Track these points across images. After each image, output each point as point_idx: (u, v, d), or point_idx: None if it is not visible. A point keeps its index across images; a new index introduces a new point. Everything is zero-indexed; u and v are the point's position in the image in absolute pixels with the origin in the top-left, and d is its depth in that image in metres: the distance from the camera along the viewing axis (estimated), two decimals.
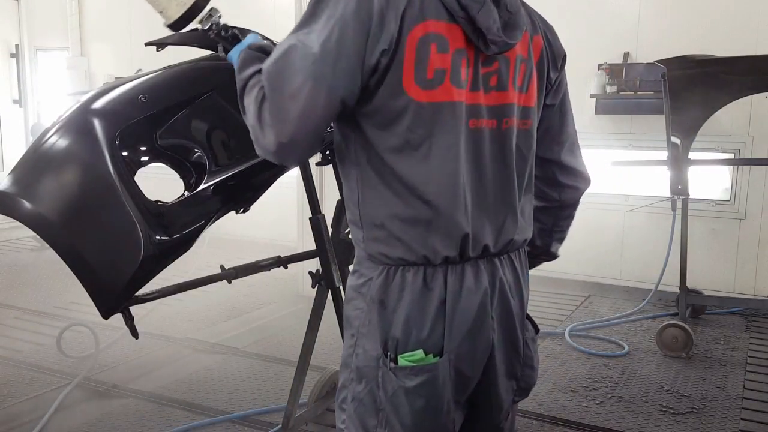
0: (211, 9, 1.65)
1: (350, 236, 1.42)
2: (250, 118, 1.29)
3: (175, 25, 1.65)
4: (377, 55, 1.21)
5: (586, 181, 1.62)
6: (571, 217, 1.65)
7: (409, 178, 1.27)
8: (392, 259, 1.30)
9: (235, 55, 1.45)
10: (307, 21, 1.25)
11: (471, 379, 1.36)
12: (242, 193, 2.00)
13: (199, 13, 1.62)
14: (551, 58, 1.47)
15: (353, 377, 1.34)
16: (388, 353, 1.29)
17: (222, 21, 1.64)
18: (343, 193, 1.40)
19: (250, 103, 1.29)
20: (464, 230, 1.29)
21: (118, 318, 1.99)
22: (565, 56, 1.52)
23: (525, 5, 1.43)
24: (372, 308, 1.31)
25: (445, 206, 1.28)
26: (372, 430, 1.32)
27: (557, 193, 1.58)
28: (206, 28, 1.63)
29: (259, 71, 1.30)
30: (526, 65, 1.38)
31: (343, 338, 1.44)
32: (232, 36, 1.61)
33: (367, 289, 1.32)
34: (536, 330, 1.52)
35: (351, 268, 1.42)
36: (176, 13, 1.61)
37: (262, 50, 1.41)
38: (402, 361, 1.28)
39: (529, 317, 1.49)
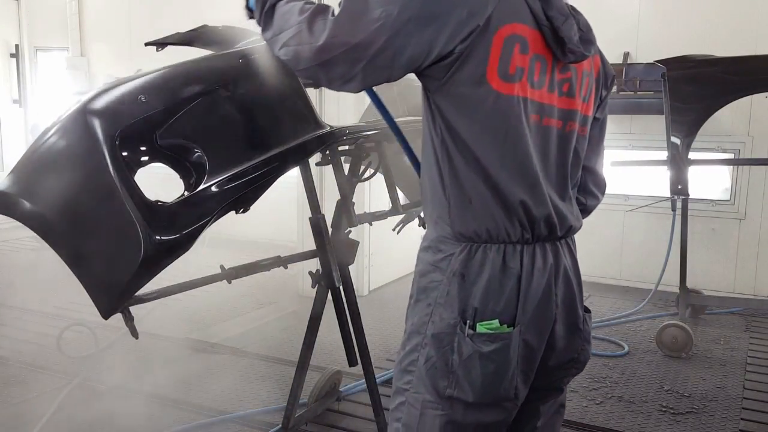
0: None
1: (422, 215, 1.51)
2: (291, 18, 1.40)
3: None
4: (455, 43, 1.32)
5: (604, 193, 1.79)
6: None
7: (488, 162, 1.39)
8: (479, 236, 1.42)
9: None
10: None
11: (536, 350, 1.48)
12: (242, 192, 2.00)
13: None
14: (604, 77, 1.66)
15: (427, 342, 1.45)
16: (467, 321, 1.41)
17: None
18: (427, 175, 1.50)
19: (293, 8, 1.41)
20: (536, 215, 1.43)
21: (118, 318, 1.99)
22: (614, 77, 1.71)
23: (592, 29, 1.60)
24: (452, 281, 1.43)
25: (519, 191, 1.41)
26: (442, 390, 1.43)
27: (584, 198, 1.73)
28: None
29: None
30: (590, 79, 1.57)
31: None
32: None
33: (447, 264, 1.45)
34: (588, 311, 1.63)
35: (422, 243, 1.54)
36: None
37: None
38: (480, 328, 1.41)
39: None
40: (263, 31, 1.51)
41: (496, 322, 1.41)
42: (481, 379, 1.40)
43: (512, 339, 1.41)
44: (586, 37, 1.48)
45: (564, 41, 1.42)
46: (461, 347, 1.40)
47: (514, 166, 1.41)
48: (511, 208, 1.41)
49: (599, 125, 1.70)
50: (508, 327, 1.42)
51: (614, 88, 5.15)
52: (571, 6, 1.49)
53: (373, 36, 1.31)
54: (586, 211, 1.74)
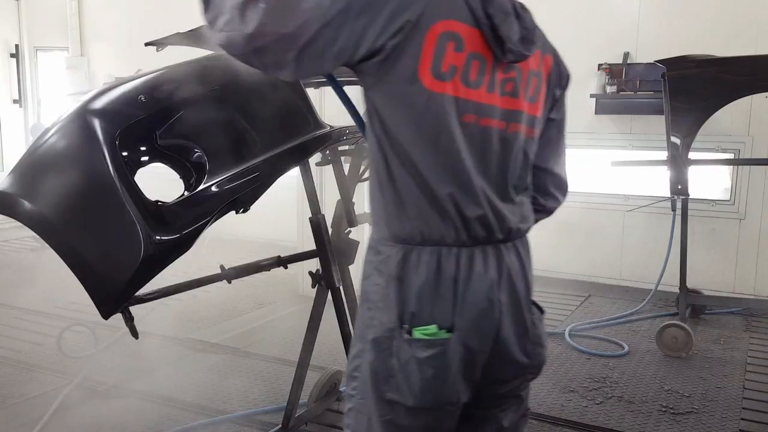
0: None
1: (370, 215, 1.50)
2: (226, 1, 1.36)
3: None
4: (386, 38, 1.30)
5: (566, 195, 1.75)
6: (539, 221, 1.76)
7: (420, 162, 1.36)
8: (413, 238, 1.40)
9: None
10: None
11: (478, 356, 1.44)
12: (242, 192, 2.00)
13: None
14: (558, 77, 1.60)
15: (368, 347, 1.43)
16: (404, 326, 1.39)
17: None
18: (370, 174, 1.49)
19: None
20: (469, 215, 1.39)
21: (118, 318, 1.99)
22: (569, 77, 1.65)
23: (540, 28, 1.55)
24: (390, 284, 1.41)
25: (450, 191, 1.38)
26: (384, 394, 1.41)
27: (544, 199, 1.69)
28: None
29: None
30: (537, 79, 1.52)
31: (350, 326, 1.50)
32: None
33: (386, 266, 1.42)
34: (541, 311, 1.61)
35: (367, 245, 1.51)
36: None
37: None
38: (416, 333, 1.38)
39: (533, 301, 1.58)
40: (204, 12, 1.46)
41: (433, 328, 1.38)
42: (420, 384, 1.38)
43: (449, 345, 1.38)
44: (529, 36, 1.43)
45: (503, 40, 1.37)
46: (399, 352, 1.38)
47: (445, 167, 1.37)
48: (443, 209, 1.38)
49: (557, 126, 1.65)
50: (447, 332, 1.38)
51: (614, 88, 5.17)
52: (520, 4, 1.45)
53: (303, 26, 1.28)
54: (545, 211, 1.71)
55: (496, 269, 1.44)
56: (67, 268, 1.81)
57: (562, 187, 1.72)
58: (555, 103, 1.61)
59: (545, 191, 1.67)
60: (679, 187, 4.11)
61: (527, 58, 1.44)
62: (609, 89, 5.20)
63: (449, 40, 1.33)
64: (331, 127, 2.31)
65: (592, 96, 5.29)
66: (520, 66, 1.45)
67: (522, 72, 1.46)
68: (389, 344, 1.39)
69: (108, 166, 1.78)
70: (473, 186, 1.40)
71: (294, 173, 2.72)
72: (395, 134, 1.37)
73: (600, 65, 5.25)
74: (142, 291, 1.97)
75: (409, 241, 1.40)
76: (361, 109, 1.57)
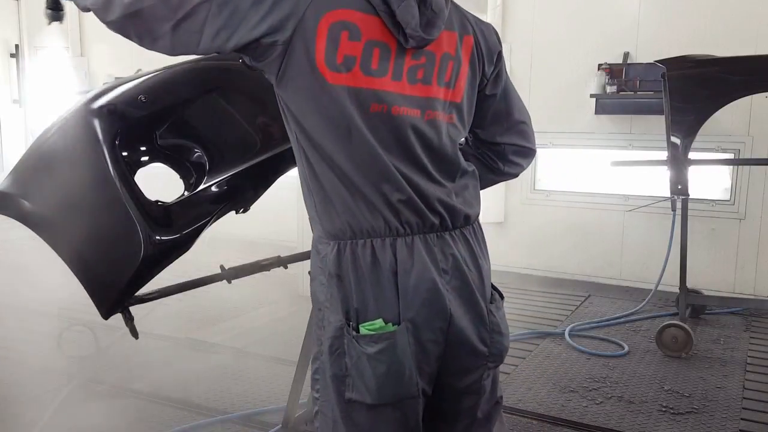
0: None
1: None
2: None
3: None
4: (268, 27, 1.28)
5: (529, 161, 1.76)
6: (498, 182, 1.80)
7: (336, 155, 1.35)
8: (344, 233, 1.38)
9: None
10: None
11: (431, 347, 1.43)
12: (242, 192, 2.00)
13: None
14: (485, 54, 1.56)
15: (324, 349, 1.43)
16: (351, 323, 1.38)
17: None
18: (298, 173, 1.48)
19: None
20: (394, 201, 1.37)
21: (118, 318, 1.98)
22: (500, 52, 1.61)
23: (459, 9, 1.52)
24: (331, 282, 1.40)
25: (372, 183, 1.36)
26: (343, 394, 1.41)
27: (502, 165, 1.73)
28: None
29: None
30: (454, 63, 1.47)
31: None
32: None
33: (325, 265, 1.41)
34: (501, 297, 1.60)
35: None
36: None
37: None
38: (363, 330, 1.37)
39: (494, 287, 1.58)
40: None
41: (379, 322, 1.37)
42: (375, 381, 1.37)
43: (397, 338, 1.37)
44: (434, 19, 1.38)
45: (402, 26, 1.33)
46: (350, 350, 1.37)
47: (362, 158, 1.35)
48: (367, 199, 1.36)
49: (501, 99, 1.63)
50: (393, 325, 1.37)
51: (614, 88, 5.17)
52: None
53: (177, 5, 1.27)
54: (504, 174, 1.74)
55: (441, 258, 1.42)
56: (67, 268, 1.81)
57: (524, 154, 1.73)
58: (486, 81, 1.58)
59: (505, 158, 1.71)
60: (679, 187, 4.11)
61: (430, 43, 1.39)
62: (609, 89, 5.20)
63: (343, 29, 1.30)
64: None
65: (592, 96, 5.29)
66: (432, 51, 1.41)
67: (434, 57, 1.42)
68: (341, 343, 1.39)
69: (108, 166, 1.78)
70: (393, 173, 1.37)
71: (294, 173, 2.71)
72: (308, 130, 1.35)
73: (600, 65, 5.25)
74: (142, 291, 1.97)
75: (341, 237, 1.38)
76: None
